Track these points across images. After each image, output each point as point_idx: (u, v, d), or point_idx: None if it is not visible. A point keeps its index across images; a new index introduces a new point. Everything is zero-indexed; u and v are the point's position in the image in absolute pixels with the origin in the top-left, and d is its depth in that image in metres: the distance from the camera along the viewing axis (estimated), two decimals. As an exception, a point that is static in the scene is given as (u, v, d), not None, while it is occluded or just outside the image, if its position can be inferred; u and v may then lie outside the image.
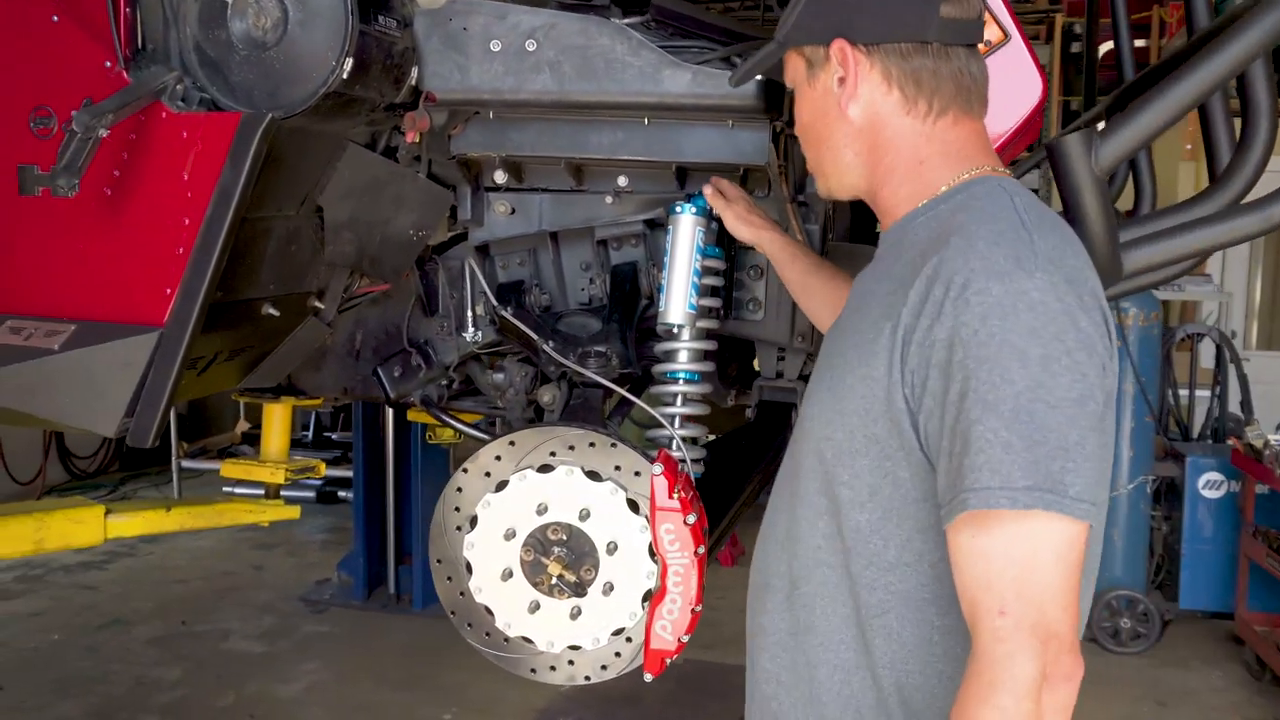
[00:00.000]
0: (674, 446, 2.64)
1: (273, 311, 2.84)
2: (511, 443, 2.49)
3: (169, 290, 2.32)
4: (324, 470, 3.57)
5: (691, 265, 2.67)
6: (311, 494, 9.37)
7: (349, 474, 8.00)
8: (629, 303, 3.03)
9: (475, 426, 3.40)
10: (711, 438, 2.97)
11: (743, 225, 2.66)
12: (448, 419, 3.30)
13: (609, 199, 3.05)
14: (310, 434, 10.17)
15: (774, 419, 3.32)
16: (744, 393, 3.46)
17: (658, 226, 3.13)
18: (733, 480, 3.04)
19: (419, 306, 3.29)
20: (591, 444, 2.46)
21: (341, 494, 8.97)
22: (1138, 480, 6.35)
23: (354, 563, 7.07)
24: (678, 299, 2.66)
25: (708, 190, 2.75)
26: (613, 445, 2.46)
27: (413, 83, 2.66)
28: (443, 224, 3.16)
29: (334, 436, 10.29)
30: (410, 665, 6.02)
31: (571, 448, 2.46)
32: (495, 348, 3.29)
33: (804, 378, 3.27)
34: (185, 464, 9.44)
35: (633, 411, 3.05)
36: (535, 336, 2.91)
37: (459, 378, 3.39)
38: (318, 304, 3.08)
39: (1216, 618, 6.61)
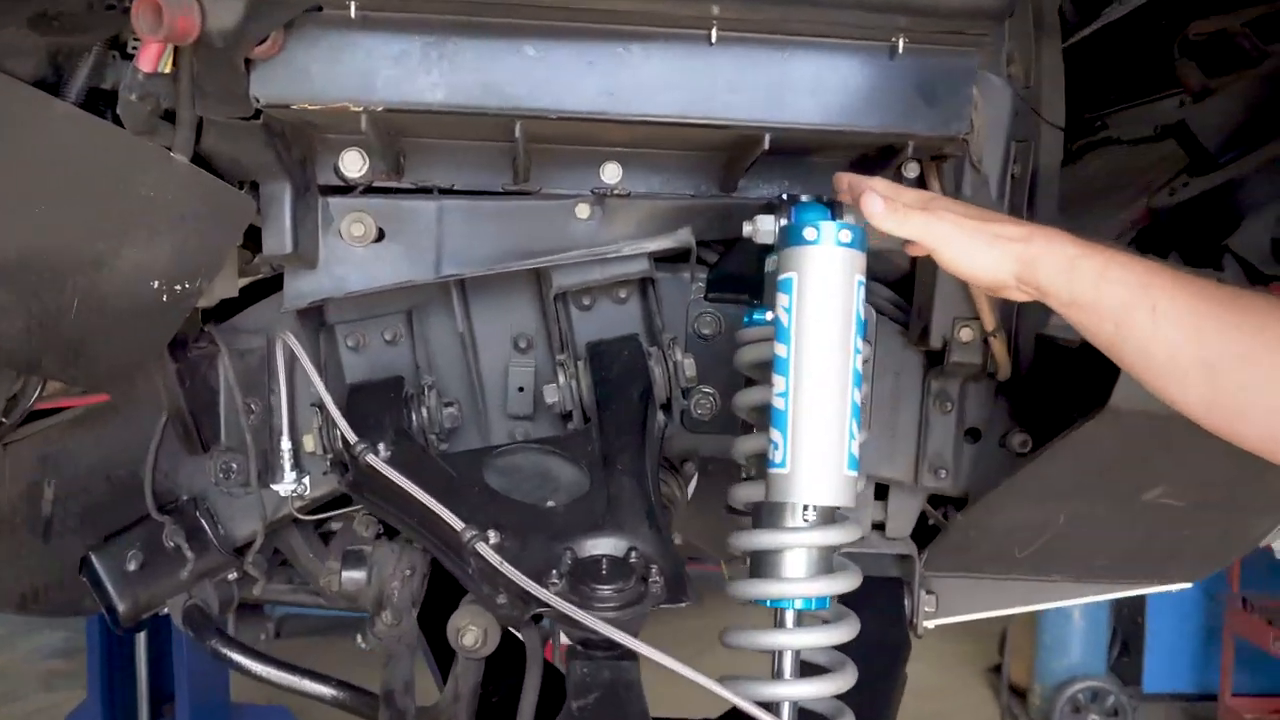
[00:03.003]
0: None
1: None
2: None
3: None
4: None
5: (851, 373, 1.15)
6: (34, 594, 7.15)
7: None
8: (636, 421, 1.47)
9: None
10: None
11: (985, 245, 1.17)
12: (242, 660, 1.62)
13: (582, 210, 1.49)
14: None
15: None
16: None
17: (672, 264, 1.62)
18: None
19: (180, 432, 1.62)
20: None
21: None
22: (1098, 549, 5.29)
23: (88, 718, 5.07)
24: (826, 462, 1.14)
25: (844, 189, 1.26)
26: None
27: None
28: (230, 263, 1.52)
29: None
30: None
31: None
32: (342, 509, 1.67)
33: (923, 536, 1.82)
34: None
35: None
36: (445, 515, 1.30)
37: (260, 564, 1.73)
38: (-64, 446, 1.37)
39: (1179, 698, 5.66)
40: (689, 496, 1.86)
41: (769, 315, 1.29)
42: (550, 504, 1.38)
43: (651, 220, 1.53)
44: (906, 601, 1.80)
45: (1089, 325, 1.16)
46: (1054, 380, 1.60)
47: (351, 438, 1.40)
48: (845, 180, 1.30)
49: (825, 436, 1.14)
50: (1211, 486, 1.52)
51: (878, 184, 1.21)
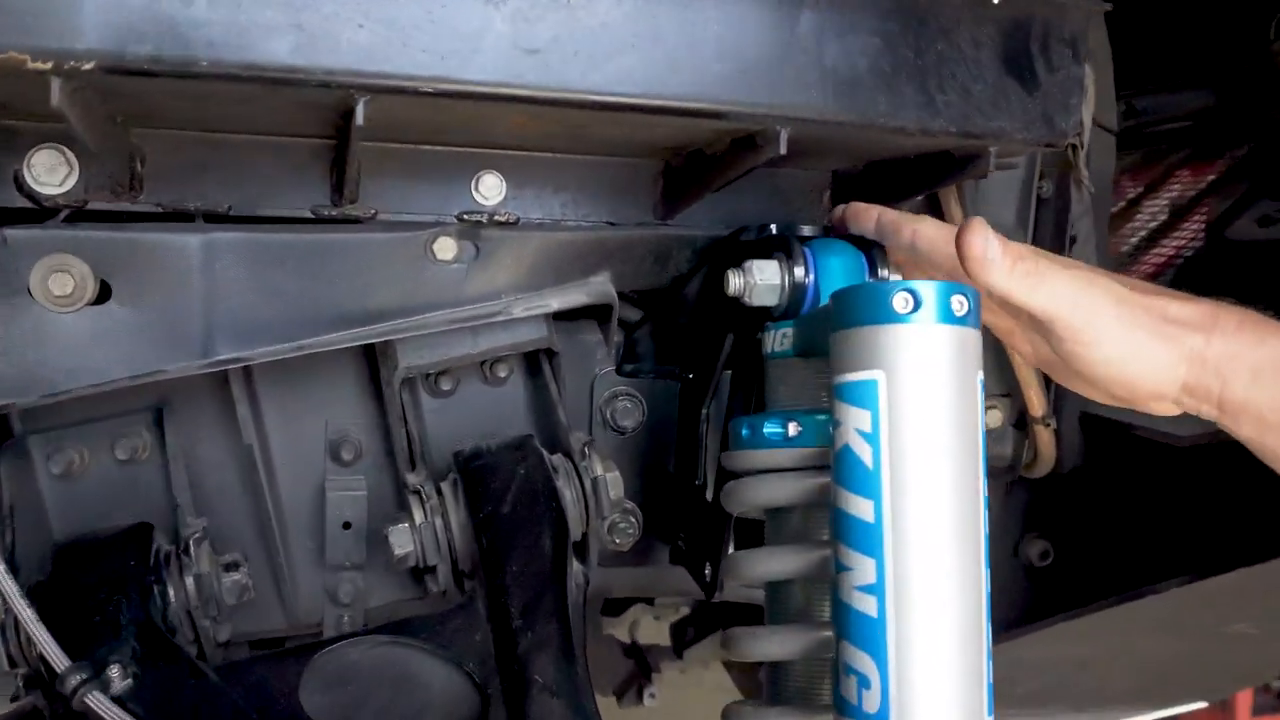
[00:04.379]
0: None
1: None
2: None
3: None
4: None
5: (984, 544, 0.67)
6: None
7: None
8: (549, 585, 0.93)
9: None
10: None
11: (1150, 333, 0.75)
12: None
13: (444, 248, 0.94)
14: None
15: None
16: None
17: (567, 321, 1.08)
18: None
19: None
20: None
21: None
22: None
23: None
24: (956, 714, 0.64)
25: (869, 226, 0.79)
26: None
27: None
28: None
29: None
30: None
31: None
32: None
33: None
34: None
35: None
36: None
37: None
38: None
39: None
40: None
41: (792, 429, 0.79)
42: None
43: (549, 261, 0.99)
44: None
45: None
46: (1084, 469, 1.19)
47: (56, 659, 0.78)
48: (873, 216, 0.83)
49: (956, 670, 0.64)
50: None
51: (978, 224, 0.74)
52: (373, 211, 0.94)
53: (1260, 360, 0.72)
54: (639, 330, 1.12)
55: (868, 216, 0.84)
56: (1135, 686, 1.38)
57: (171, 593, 0.90)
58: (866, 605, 0.66)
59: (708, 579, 1.08)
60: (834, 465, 0.70)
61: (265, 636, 1.08)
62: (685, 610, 1.80)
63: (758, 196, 1.05)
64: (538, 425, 1.06)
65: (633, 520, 1.13)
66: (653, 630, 1.86)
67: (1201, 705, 1.48)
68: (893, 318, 0.67)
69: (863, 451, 0.67)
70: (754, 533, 0.96)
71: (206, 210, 0.90)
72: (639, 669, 1.79)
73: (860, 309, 0.68)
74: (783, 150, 0.77)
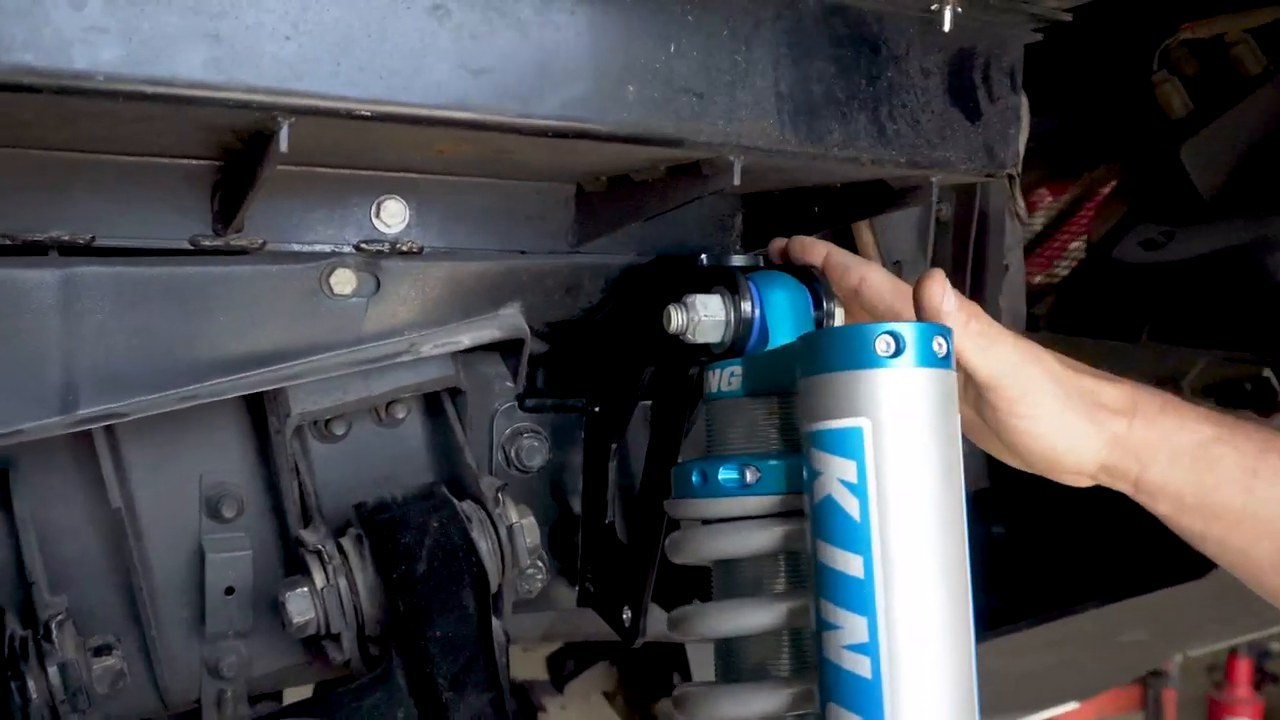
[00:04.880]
0: None
1: None
2: None
3: None
4: None
5: (970, 590, 0.64)
6: None
7: None
8: (475, 650, 0.85)
9: None
10: None
11: (1082, 414, 0.77)
12: None
13: (342, 280, 0.86)
14: None
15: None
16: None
17: (471, 352, 1.01)
18: None
19: None
20: None
21: None
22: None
23: None
24: None
25: (864, 275, 0.77)
26: None
27: None
28: None
29: None
30: None
31: None
32: None
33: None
34: None
35: None
36: None
37: None
38: None
39: None
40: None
41: (750, 475, 0.74)
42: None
43: (456, 294, 0.92)
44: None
45: (1225, 539, 0.77)
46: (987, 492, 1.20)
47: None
48: (822, 254, 0.81)
49: (957, 728, 0.61)
50: (1185, 625, 1.19)
51: (939, 275, 0.72)
52: (260, 241, 0.84)
53: (1178, 446, 0.74)
54: (548, 366, 1.06)
55: (815, 254, 0.82)
56: (1020, 693, 1.41)
57: (32, 687, 0.78)
58: (858, 666, 0.62)
59: (626, 624, 1.02)
60: (814, 517, 0.66)
61: (132, 720, 0.96)
62: (559, 642, 1.74)
63: (666, 222, 1.00)
64: (440, 469, 0.98)
65: (540, 565, 1.07)
66: (524, 662, 1.79)
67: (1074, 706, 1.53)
68: (875, 362, 0.64)
69: (849, 504, 0.63)
70: (677, 575, 0.91)
71: (65, 242, 0.78)
72: (522, 709, 1.71)
73: (839, 353, 0.65)
74: (737, 181, 0.73)
